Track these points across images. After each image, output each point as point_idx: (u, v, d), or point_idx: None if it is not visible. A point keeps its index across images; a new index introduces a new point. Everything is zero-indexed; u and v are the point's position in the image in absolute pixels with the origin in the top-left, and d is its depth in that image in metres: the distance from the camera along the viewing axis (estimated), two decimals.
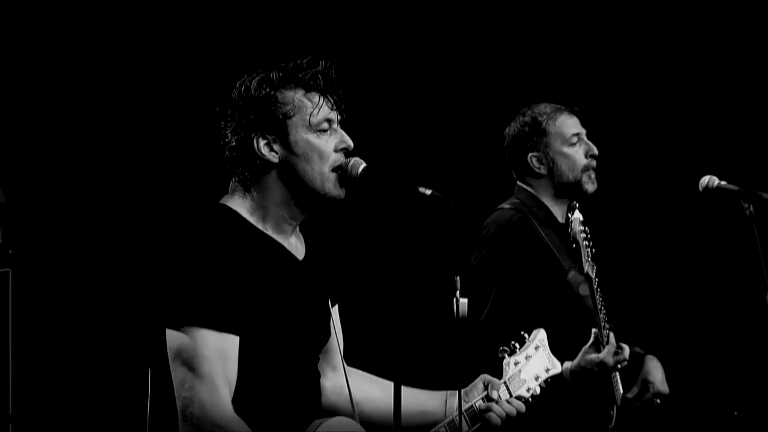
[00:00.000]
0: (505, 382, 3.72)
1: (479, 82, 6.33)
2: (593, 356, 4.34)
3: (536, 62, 6.28)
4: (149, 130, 6.04)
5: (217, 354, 3.21)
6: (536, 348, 3.84)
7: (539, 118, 4.71)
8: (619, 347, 4.38)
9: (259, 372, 3.31)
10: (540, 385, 3.80)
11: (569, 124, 4.72)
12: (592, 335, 4.36)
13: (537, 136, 4.71)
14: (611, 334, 4.38)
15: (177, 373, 3.22)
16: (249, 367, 3.28)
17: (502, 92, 6.20)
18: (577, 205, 4.59)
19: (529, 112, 4.76)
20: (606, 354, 4.33)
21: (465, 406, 3.62)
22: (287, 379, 3.37)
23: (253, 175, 3.36)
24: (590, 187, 4.68)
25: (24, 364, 5.28)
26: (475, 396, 3.66)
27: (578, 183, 4.68)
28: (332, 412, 3.56)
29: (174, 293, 3.24)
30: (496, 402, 3.64)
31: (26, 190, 5.56)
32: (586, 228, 4.50)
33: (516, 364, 3.78)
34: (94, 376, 5.80)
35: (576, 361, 4.33)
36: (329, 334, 3.56)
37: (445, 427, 3.57)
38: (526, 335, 3.85)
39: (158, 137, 6.04)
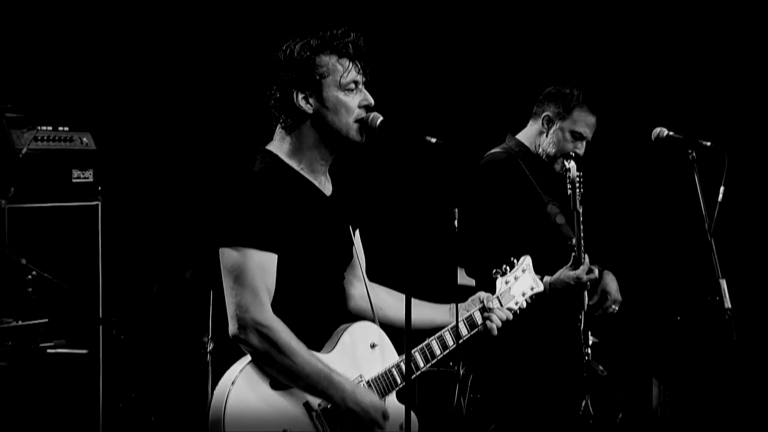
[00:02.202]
0: (497, 297, 3.76)
1: (476, 50, 6.32)
2: (572, 272, 4.37)
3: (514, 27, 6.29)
4: (210, 88, 6.11)
5: (259, 268, 3.23)
6: (523, 271, 3.88)
7: (574, 100, 4.67)
8: (590, 268, 4.41)
9: (293, 284, 3.32)
10: (526, 300, 3.85)
11: (585, 122, 4.68)
12: (572, 257, 4.39)
13: (562, 109, 4.67)
14: (587, 256, 4.41)
15: (227, 283, 3.25)
16: (286, 280, 3.30)
17: (492, 60, 6.22)
18: (573, 155, 4.60)
19: (571, 90, 4.69)
20: (581, 271, 4.37)
21: (465, 315, 3.65)
22: (316, 290, 3.40)
23: (292, 122, 3.37)
24: (557, 167, 4.64)
25: (111, 277, 5.37)
26: (473, 307, 3.70)
27: (553, 159, 4.67)
28: (359, 315, 3.61)
29: (226, 219, 3.27)
30: (492, 310, 3.68)
31: (112, 140, 5.60)
32: (581, 174, 4.48)
33: (506, 283, 3.82)
34: (166, 286, 5.84)
35: (556, 275, 4.36)
36: (351, 256, 3.57)
37: (449, 331, 3.59)
38: (515, 260, 3.89)
39: (216, 95, 6.11)
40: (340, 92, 3.36)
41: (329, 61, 3.36)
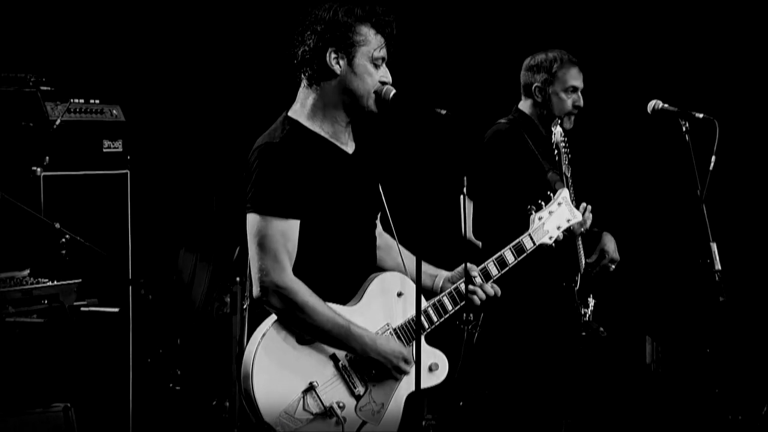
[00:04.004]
0: (529, 234, 3.72)
1: (482, 25, 6.32)
2: None
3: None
4: (234, 61, 6.12)
5: (280, 234, 3.28)
6: (559, 204, 3.81)
7: (555, 63, 4.68)
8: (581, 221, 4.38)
9: (324, 242, 3.37)
10: (562, 232, 3.80)
11: (573, 77, 4.69)
12: None
13: (548, 74, 4.68)
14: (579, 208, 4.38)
15: (251, 247, 3.30)
16: (317, 239, 3.35)
17: (497, 35, 6.22)
18: (560, 121, 4.62)
19: (552, 54, 4.72)
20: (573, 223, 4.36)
21: (450, 288, 3.57)
22: (347, 245, 3.43)
23: (318, 76, 3.41)
24: (567, 125, 4.67)
25: (139, 240, 5.37)
26: (458, 280, 3.61)
27: (560, 120, 4.67)
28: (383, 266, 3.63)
29: (251, 189, 3.30)
30: (479, 286, 3.58)
31: (140, 112, 5.60)
32: (566, 138, 4.52)
33: (540, 219, 3.75)
34: (193, 250, 5.93)
35: None
36: (380, 207, 3.58)
37: (431, 307, 3.51)
38: (551, 194, 3.83)
39: (240, 67, 6.12)
40: (368, 63, 3.40)
41: (368, 32, 3.40)
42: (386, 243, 3.69)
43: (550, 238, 3.76)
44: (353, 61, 3.39)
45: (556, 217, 3.80)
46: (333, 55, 3.38)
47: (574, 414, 4.72)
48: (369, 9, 3.41)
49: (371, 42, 3.40)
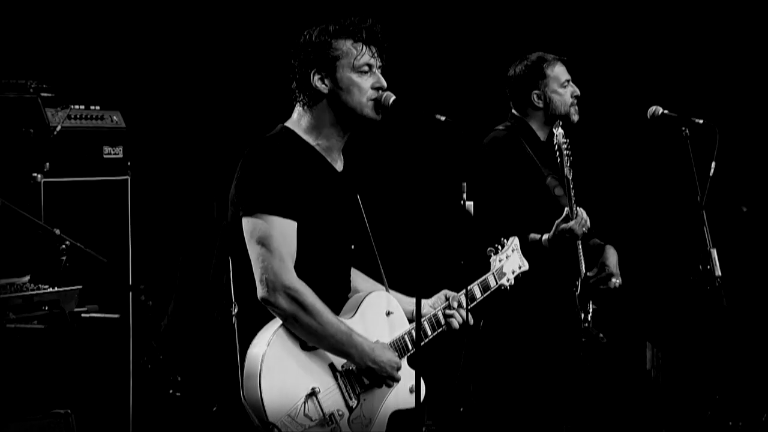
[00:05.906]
0: (493, 274, 3.83)
1: (481, 35, 6.33)
2: (564, 225, 4.37)
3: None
4: (233, 69, 6.13)
5: (282, 234, 3.28)
6: (513, 251, 3.94)
7: (542, 64, 4.69)
8: (584, 220, 4.44)
9: (308, 253, 3.36)
10: (515, 278, 3.91)
11: (562, 71, 4.70)
12: (564, 212, 4.40)
13: (539, 78, 4.68)
14: (581, 211, 4.43)
15: (253, 249, 3.28)
16: (300, 249, 3.34)
17: (500, 40, 6.22)
18: (561, 123, 4.61)
19: (533, 58, 4.73)
20: (574, 223, 4.38)
21: (430, 315, 3.61)
22: (329, 259, 3.44)
23: (309, 101, 3.42)
24: (575, 117, 4.69)
25: (139, 247, 5.36)
26: (438, 306, 3.66)
27: (567, 115, 4.68)
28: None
29: (250, 189, 3.31)
30: (457, 310, 3.63)
31: (141, 118, 5.59)
32: (568, 140, 4.51)
33: (500, 261, 3.88)
34: (191, 256, 5.90)
35: (552, 231, 4.39)
36: (362, 229, 3.60)
37: (414, 331, 3.49)
38: (505, 240, 3.94)
39: (239, 76, 6.13)
40: (353, 74, 3.40)
41: (344, 44, 3.40)
42: (361, 274, 3.70)
43: (507, 280, 3.89)
44: (337, 76, 3.39)
45: (511, 262, 3.93)
46: (317, 77, 3.40)
47: (574, 420, 4.70)
48: (342, 22, 3.43)
49: (350, 53, 3.39)
